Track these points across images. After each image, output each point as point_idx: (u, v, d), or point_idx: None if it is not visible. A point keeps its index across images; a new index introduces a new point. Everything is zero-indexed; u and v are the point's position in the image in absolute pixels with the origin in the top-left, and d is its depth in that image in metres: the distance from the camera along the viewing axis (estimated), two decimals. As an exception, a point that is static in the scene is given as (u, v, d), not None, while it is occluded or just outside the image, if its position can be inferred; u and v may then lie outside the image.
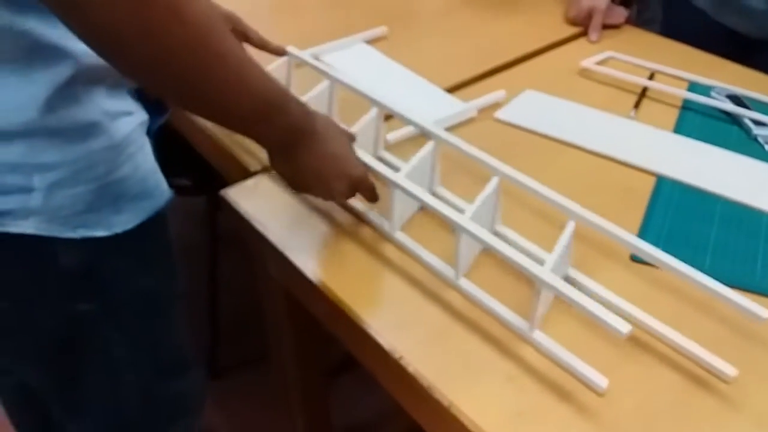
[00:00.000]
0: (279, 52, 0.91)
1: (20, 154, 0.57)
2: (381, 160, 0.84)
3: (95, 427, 0.76)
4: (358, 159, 0.70)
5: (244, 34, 0.88)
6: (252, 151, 0.86)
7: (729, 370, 0.58)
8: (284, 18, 1.21)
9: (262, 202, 0.79)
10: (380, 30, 1.13)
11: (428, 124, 0.77)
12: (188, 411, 0.83)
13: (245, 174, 0.84)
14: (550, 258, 0.61)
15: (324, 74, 0.86)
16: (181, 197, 1.52)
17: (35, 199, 0.59)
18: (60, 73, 0.57)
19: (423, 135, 0.78)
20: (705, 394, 0.58)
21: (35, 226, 0.59)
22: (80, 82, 0.58)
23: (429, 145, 0.76)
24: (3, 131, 0.56)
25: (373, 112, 0.80)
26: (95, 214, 0.62)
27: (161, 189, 0.68)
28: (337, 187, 0.69)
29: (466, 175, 0.80)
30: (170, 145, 1.08)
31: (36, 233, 0.59)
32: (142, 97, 0.68)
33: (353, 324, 0.65)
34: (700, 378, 0.59)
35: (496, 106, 0.95)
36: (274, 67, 0.91)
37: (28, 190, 0.58)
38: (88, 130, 0.60)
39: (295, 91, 0.91)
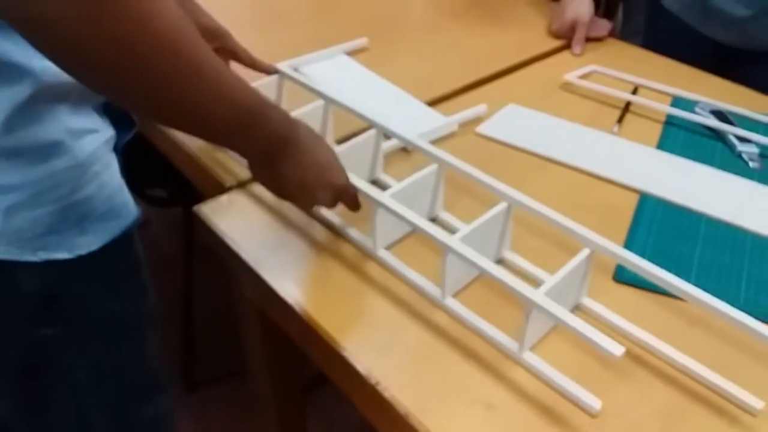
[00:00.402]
0: (269, 71, 0.89)
1: None
2: (378, 182, 0.82)
3: None
4: (341, 167, 0.68)
5: (233, 52, 0.86)
6: (227, 167, 0.84)
7: (743, 394, 0.57)
8: (265, 29, 1.19)
9: (237, 220, 0.77)
10: (361, 41, 1.11)
11: (432, 149, 0.74)
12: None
13: (220, 189, 0.82)
14: (549, 281, 0.60)
15: (318, 94, 0.84)
16: (158, 208, 1.51)
17: None
18: (20, 92, 0.54)
19: (424, 156, 0.76)
20: (702, 410, 0.57)
21: None
22: (42, 100, 0.56)
23: (428, 169, 0.73)
24: None
25: (371, 133, 0.79)
26: (57, 236, 0.60)
27: (128, 208, 0.66)
28: (321, 196, 0.67)
29: (473, 199, 0.78)
30: (146, 156, 1.07)
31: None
32: (108, 112, 0.65)
33: (328, 346, 0.63)
34: (698, 395, 0.58)
35: (478, 120, 0.94)
36: (262, 83, 0.88)
37: None
38: (50, 149, 0.57)
39: (285, 107, 0.90)
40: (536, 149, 0.88)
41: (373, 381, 0.59)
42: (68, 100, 0.58)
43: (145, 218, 1.42)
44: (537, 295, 0.57)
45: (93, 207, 0.62)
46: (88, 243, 0.62)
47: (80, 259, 0.61)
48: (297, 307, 0.66)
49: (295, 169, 0.64)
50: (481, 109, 0.94)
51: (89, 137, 0.61)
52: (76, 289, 0.63)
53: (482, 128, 0.92)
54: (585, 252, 0.63)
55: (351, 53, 1.10)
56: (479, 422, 0.56)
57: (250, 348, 0.94)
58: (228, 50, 0.85)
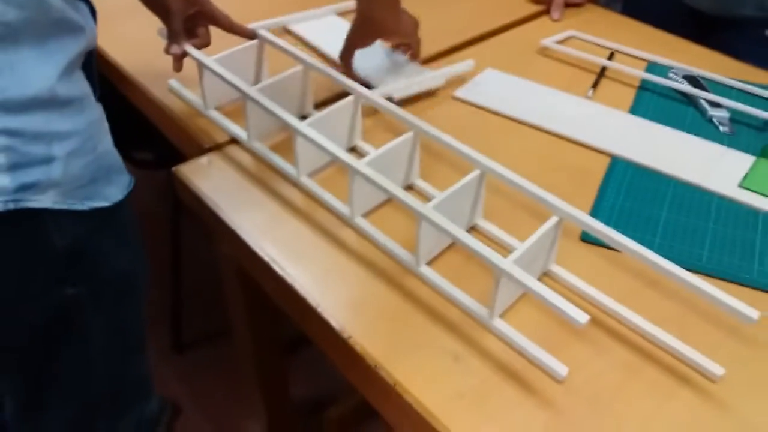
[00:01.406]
0: (249, 35, 0.89)
1: (41, 123, 0.58)
2: (355, 149, 0.83)
3: (57, 423, 0.75)
4: None
5: (211, 17, 0.86)
6: (206, 130, 0.85)
7: (714, 367, 0.58)
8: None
9: (215, 180, 0.78)
10: (351, 3, 1.11)
11: (410, 117, 0.75)
12: (146, 390, 0.82)
13: (200, 151, 0.83)
14: (518, 249, 0.61)
15: (297, 59, 0.84)
16: (145, 171, 1.52)
17: (56, 170, 0.59)
18: (72, 47, 0.60)
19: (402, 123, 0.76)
20: (653, 370, 0.59)
21: (53, 200, 0.60)
22: (80, 58, 0.62)
23: (404, 136, 0.74)
24: (25, 100, 0.57)
25: (349, 100, 0.79)
26: (95, 185, 0.64)
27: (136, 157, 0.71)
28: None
29: (449, 167, 0.80)
30: (132, 120, 1.08)
31: (53, 207, 0.60)
32: None
33: (303, 302, 0.65)
34: (653, 357, 0.60)
35: (459, 81, 0.95)
36: (242, 47, 0.89)
37: (49, 160, 0.59)
38: (85, 101, 0.63)
39: (267, 75, 0.91)
40: (512, 113, 0.90)
41: (345, 335, 0.62)
42: (80, 61, 0.64)
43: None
44: (506, 263, 0.58)
45: (113, 159, 0.68)
46: (115, 193, 0.67)
47: (101, 213, 0.65)
48: (273, 265, 0.68)
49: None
50: (467, 64, 0.94)
51: (95, 97, 0.67)
52: (97, 245, 0.67)
53: (460, 92, 0.94)
54: (553, 220, 0.64)
55: (342, 14, 1.10)
56: (447, 373, 0.58)
57: (231, 306, 0.97)
58: (207, 15, 0.86)
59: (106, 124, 0.67)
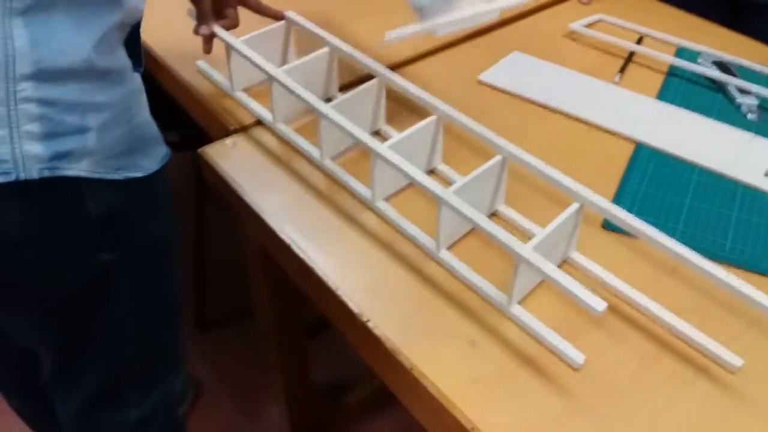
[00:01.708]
0: (277, 17, 0.89)
1: (75, 94, 0.59)
2: (379, 133, 0.83)
3: (89, 388, 0.77)
4: None
5: None
6: (231, 111, 0.86)
7: (732, 358, 0.58)
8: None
9: (240, 162, 0.79)
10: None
11: (434, 100, 0.74)
12: (177, 364, 0.85)
13: (226, 132, 0.84)
14: (538, 236, 0.61)
15: (325, 41, 0.84)
16: (173, 152, 1.54)
17: (90, 140, 0.61)
18: (110, 20, 0.60)
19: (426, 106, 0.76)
20: (670, 359, 0.59)
21: (87, 169, 0.62)
22: (118, 31, 0.62)
23: (427, 120, 0.74)
24: (60, 70, 0.58)
25: (374, 83, 0.79)
26: (130, 156, 0.66)
27: (163, 138, 0.72)
28: None
29: (471, 152, 0.80)
30: (159, 100, 1.09)
31: (87, 176, 0.62)
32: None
33: (323, 285, 0.66)
34: (671, 346, 0.60)
35: (485, 64, 0.94)
36: (270, 29, 0.89)
37: (84, 130, 0.60)
38: (123, 73, 0.64)
39: (293, 57, 0.91)
40: (537, 98, 0.89)
41: (364, 318, 0.62)
42: (121, 36, 0.64)
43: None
44: (525, 249, 0.58)
45: (150, 131, 0.69)
46: (150, 164, 0.69)
47: (137, 183, 0.67)
48: (294, 247, 0.69)
49: None
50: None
51: (137, 70, 0.68)
52: (132, 213, 0.68)
53: (484, 76, 0.93)
54: (574, 206, 0.64)
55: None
56: (463, 358, 0.59)
57: (254, 287, 0.98)
58: None
59: (144, 97, 0.68)
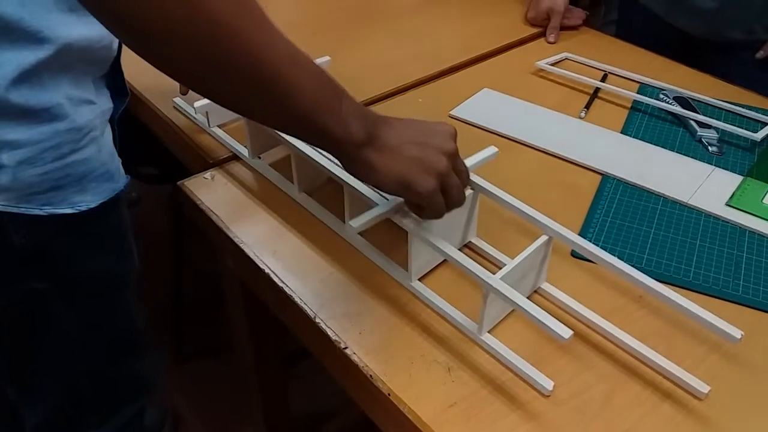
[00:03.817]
0: None
1: None
2: None
3: (47, 406, 0.77)
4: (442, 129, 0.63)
5: None
6: (207, 145, 0.88)
7: (699, 385, 0.60)
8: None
9: (218, 194, 0.81)
10: (324, 59, 0.98)
11: None
12: (141, 392, 0.84)
13: (203, 166, 0.86)
14: (507, 266, 0.63)
15: None
16: (150, 185, 1.54)
17: (4, 177, 0.61)
18: (30, 57, 0.59)
19: None
20: (637, 385, 0.61)
21: (4, 203, 0.62)
22: (48, 68, 0.60)
23: None
24: None
25: None
26: (61, 192, 0.65)
27: (120, 173, 0.72)
28: (438, 163, 0.59)
29: None
30: (138, 135, 1.10)
31: (4, 210, 0.62)
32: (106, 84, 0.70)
33: (302, 312, 0.67)
34: (637, 372, 0.62)
35: (456, 100, 0.98)
36: None
37: None
38: (53, 112, 0.62)
39: None
40: (507, 132, 0.92)
41: (342, 345, 0.64)
42: (71, 72, 0.63)
43: (137, 196, 1.48)
44: (493, 280, 0.60)
45: (91, 168, 0.67)
46: (87, 201, 0.67)
47: (74, 217, 0.66)
48: (273, 277, 0.70)
49: (401, 131, 0.59)
50: (491, 151, 0.76)
51: (87, 107, 0.66)
52: (66, 245, 0.68)
53: (456, 111, 0.96)
54: (543, 238, 0.66)
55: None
56: (439, 384, 0.60)
57: (233, 318, 0.99)
58: None
59: (96, 133, 0.67)
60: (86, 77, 0.66)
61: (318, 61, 0.88)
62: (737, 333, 0.57)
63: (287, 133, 0.63)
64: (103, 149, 0.68)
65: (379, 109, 0.96)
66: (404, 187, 0.58)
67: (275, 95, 0.51)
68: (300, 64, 0.52)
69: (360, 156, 0.57)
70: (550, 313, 0.57)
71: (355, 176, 0.60)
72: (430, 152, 0.59)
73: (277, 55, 0.50)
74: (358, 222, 0.63)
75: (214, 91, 0.52)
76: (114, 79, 0.71)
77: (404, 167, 0.58)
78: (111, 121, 0.72)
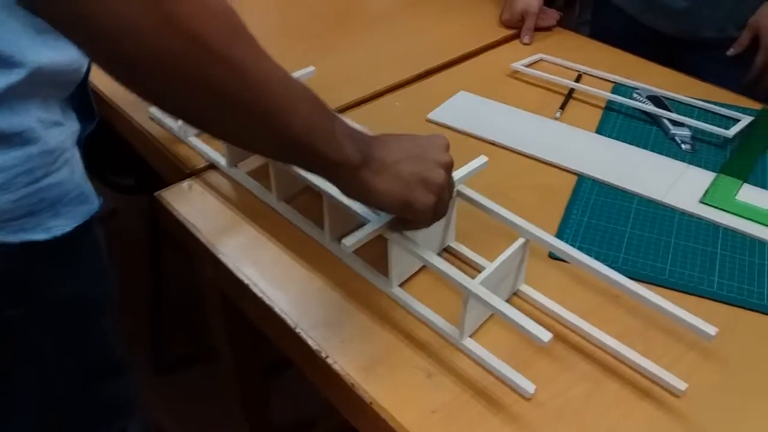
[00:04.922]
0: None
1: None
2: None
3: (24, 430, 0.76)
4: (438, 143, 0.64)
5: None
6: (184, 155, 0.87)
7: (677, 382, 0.61)
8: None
9: (195, 204, 0.81)
10: (309, 70, 0.94)
11: None
12: (122, 414, 0.84)
13: (181, 176, 0.86)
14: (485, 270, 0.63)
15: None
16: (129, 195, 1.53)
17: None
18: (1, 81, 0.57)
19: None
20: (616, 384, 0.62)
21: None
22: (18, 92, 0.59)
23: None
24: None
25: None
26: (35, 217, 0.63)
27: (93, 194, 0.70)
28: (436, 177, 0.59)
29: None
30: (114, 145, 1.10)
31: None
32: (72, 105, 0.69)
33: (282, 323, 0.67)
34: (617, 371, 0.63)
35: (433, 103, 0.98)
36: None
37: None
38: (24, 136, 0.61)
39: None
40: (484, 134, 0.93)
41: (323, 355, 0.64)
42: (39, 95, 0.62)
43: (114, 207, 1.47)
44: (473, 284, 0.60)
45: (65, 191, 0.65)
46: (61, 225, 0.65)
47: (40, 245, 0.64)
48: (252, 287, 0.70)
49: (396, 149, 0.58)
50: (482, 161, 0.75)
51: (57, 129, 0.64)
52: (41, 270, 0.67)
53: (433, 115, 0.97)
54: (520, 241, 0.67)
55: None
56: (420, 390, 0.61)
57: (214, 329, 0.98)
58: None
59: (67, 155, 0.65)
60: (54, 99, 0.65)
61: (302, 72, 0.88)
62: (711, 330, 0.58)
63: (280, 160, 0.62)
64: (75, 171, 0.67)
65: (356, 114, 0.97)
66: (405, 206, 0.58)
67: (270, 125, 0.50)
68: (292, 89, 0.51)
69: (357, 178, 0.56)
70: (529, 316, 0.58)
71: (354, 200, 0.60)
72: (427, 167, 0.58)
73: (272, 84, 0.49)
74: (352, 240, 0.63)
75: (208, 124, 0.51)
76: (81, 101, 0.70)
77: (404, 186, 0.57)
78: (78, 143, 0.70)
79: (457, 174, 0.69)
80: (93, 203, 0.70)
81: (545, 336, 0.56)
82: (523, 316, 0.57)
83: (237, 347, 0.97)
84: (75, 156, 0.68)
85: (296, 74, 0.83)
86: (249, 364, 1.01)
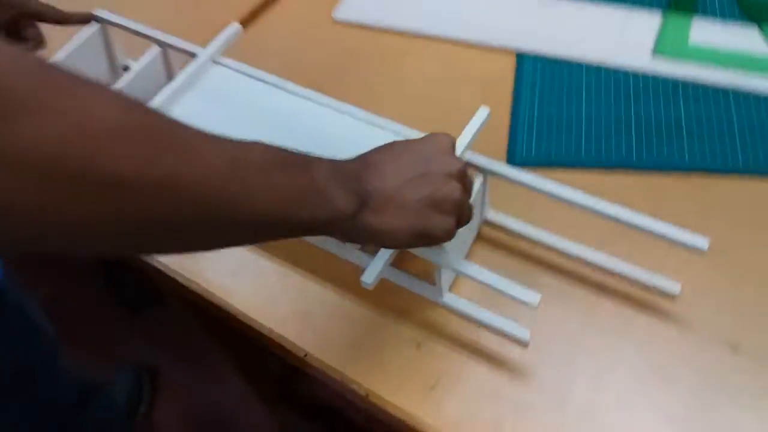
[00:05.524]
0: (86, 19, 0.75)
1: None
2: None
3: None
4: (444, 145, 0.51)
5: (35, 13, 0.73)
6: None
7: (670, 285, 0.58)
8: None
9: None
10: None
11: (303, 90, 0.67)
12: (110, 426, 0.82)
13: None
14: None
15: (151, 39, 0.73)
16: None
17: None
18: None
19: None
20: (610, 303, 0.59)
21: None
22: None
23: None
24: None
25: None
26: None
27: None
28: (449, 190, 0.48)
29: None
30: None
31: None
32: None
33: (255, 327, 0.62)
34: (607, 288, 0.60)
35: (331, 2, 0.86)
36: (87, 38, 0.75)
37: None
38: None
39: (122, 56, 0.79)
40: (403, 26, 0.82)
41: (301, 354, 0.59)
42: None
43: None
44: (444, 258, 0.55)
45: None
46: None
47: None
48: (222, 295, 0.64)
49: (395, 171, 0.47)
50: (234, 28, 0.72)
51: None
52: None
53: (339, 13, 0.85)
54: (478, 181, 0.59)
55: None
56: (413, 364, 0.57)
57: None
58: (29, 14, 0.73)
59: None
60: None
61: (227, 32, 0.74)
62: (704, 243, 0.54)
63: (266, 241, 0.54)
64: None
65: (261, 23, 0.84)
66: (422, 237, 0.47)
67: (232, 223, 0.38)
68: (244, 166, 0.38)
69: (357, 225, 0.45)
70: (503, 246, 0.53)
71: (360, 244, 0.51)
72: (437, 185, 0.47)
73: (210, 177, 0.36)
74: (371, 277, 0.53)
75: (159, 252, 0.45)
76: None
77: (414, 216, 0.46)
78: None
79: (461, 142, 0.58)
80: None
81: (533, 298, 0.52)
82: (506, 282, 0.53)
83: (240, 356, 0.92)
84: None
85: (221, 36, 0.70)
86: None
